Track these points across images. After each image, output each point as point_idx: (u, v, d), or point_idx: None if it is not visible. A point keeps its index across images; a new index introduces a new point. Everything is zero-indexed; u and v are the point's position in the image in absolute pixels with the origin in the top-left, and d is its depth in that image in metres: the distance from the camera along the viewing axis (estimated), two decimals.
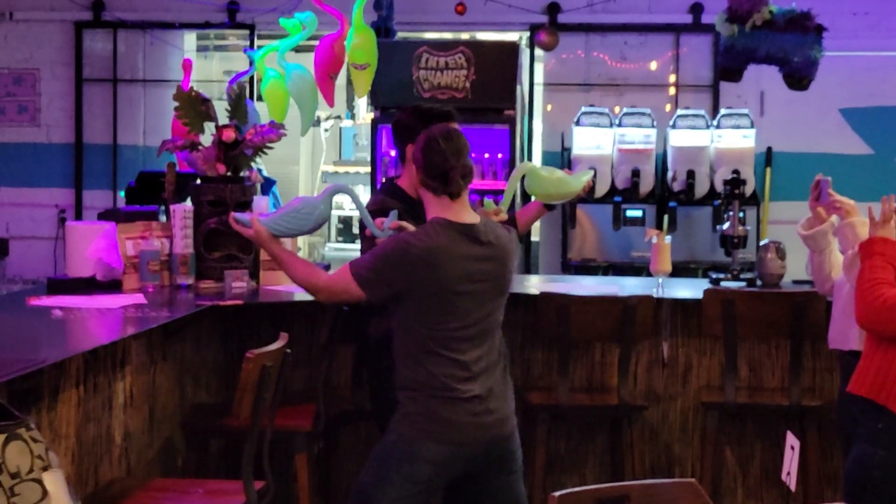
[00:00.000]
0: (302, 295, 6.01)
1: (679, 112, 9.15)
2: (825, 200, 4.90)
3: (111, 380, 4.79)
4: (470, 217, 4.10)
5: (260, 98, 7.64)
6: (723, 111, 9.11)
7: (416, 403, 4.04)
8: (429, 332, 4.03)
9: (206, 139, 6.26)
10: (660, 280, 6.23)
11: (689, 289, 6.35)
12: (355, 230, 9.83)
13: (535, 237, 10.10)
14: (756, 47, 6.63)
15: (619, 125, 9.02)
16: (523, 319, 6.20)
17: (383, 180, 7.06)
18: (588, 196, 8.74)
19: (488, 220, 4.18)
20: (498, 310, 4.15)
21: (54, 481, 2.80)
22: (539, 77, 10.24)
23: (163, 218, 6.33)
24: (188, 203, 6.25)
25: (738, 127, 8.90)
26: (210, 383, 6.01)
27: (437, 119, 4.60)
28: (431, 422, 4.01)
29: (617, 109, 9.42)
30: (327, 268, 6.79)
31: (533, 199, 5.38)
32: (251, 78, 9.21)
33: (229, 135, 6.09)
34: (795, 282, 6.32)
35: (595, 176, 5.27)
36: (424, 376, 4.03)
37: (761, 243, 6.40)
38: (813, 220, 5.02)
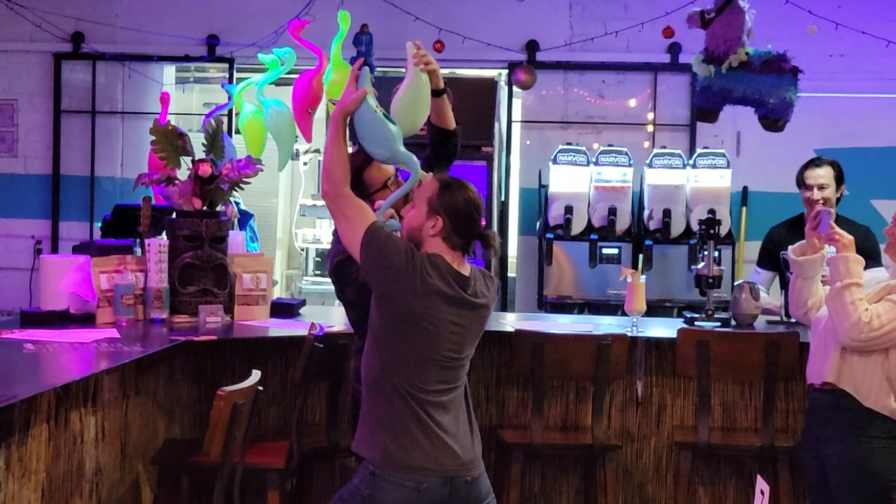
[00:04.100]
0: (276, 331, 6.03)
1: (656, 151, 9.17)
2: (824, 230, 4.91)
3: (83, 414, 4.76)
4: (465, 269, 4.10)
5: (237, 132, 7.63)
6: (699, 150, 9.13)
7: (378, 445, 4.01)
8: (396, 354, 4.00)
9: (183, 173, 6.25)
10: (634, 319, 6.23)
11: (664, 328, 6.36)
12: None
13: (511, 273, 10.09)
14: (732, 88, 6.64)
15: (596, 163, 9.02)
16: (498, 357, 6.20)
17: None
18: (565, 233, 8.86)
19: (478, 272, 4.17)
20: (466, 356, 4.13)
21: None
22: (517, 114, 10.26)
23: (138, 251, 6.31)
24: (163, 237, 6.23)
25: (714, 166, 8.91)
26: (183, 419, 5.98)
27: None
28: (392, 466, 3.97)
29: (595, 147, 9.43)
30: (302, 303, 6.79)
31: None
32: (229, 112, 9.20)
33: (205, 169, 6.09)
34: (770, 322, 6.32)
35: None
36: (389, 405, 4.01)
37: (735, 283, 6.41)
38: (806, 247, 5.04)
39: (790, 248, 5.10)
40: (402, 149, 4.27)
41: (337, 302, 9.88)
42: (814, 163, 6.57)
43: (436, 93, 4.67)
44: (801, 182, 6.54)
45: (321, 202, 10.90)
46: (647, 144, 9.84)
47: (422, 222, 4.08)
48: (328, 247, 10.88)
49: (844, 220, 6.26)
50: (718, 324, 6.21)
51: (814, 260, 5.00)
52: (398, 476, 3.96)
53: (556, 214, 8.92)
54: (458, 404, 4.10)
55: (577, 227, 8.89)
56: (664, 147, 9.23)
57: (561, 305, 8.94)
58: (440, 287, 3.97)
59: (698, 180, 8.89)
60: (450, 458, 4.01)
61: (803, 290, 5.05)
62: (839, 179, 6.55)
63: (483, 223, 4.14)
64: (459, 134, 4.85)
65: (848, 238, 4.82)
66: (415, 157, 4.28)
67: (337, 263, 4.67)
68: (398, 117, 4.46)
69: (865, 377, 4.68)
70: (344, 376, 5.56)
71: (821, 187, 6.43)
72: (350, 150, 4.32)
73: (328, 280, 10.22)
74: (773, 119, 6.68)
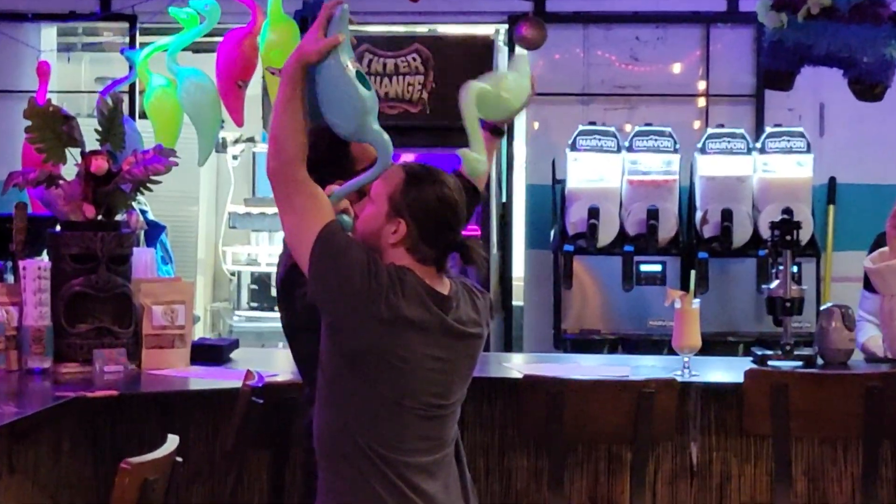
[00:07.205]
0: (200, 382, 6.02)
1: (710, 131, 9.20)
2: None
3: None
4: (442, 286, 4.07)
5: (143, 115, 7.64)
6: (769, 130, 9.17)
7: None
8: (360, 404, 3.98)
9: (70, 171, 6.24)
10: (686, 359, 6.23)
11: (727, 370, 6.37)
12: (274, 292, 9.77)
13: (517, 301, 10.09)
14: (812, 44, 6.68)
15: (630, 149, 9.05)
16: (502, 414, 6.19)
17: None
18: (589, 245, 8.88)
19: (460, 288, 4.14)
20: (455, 402, 4.12)
21: None
22: None
23: (10, 278, 6.30)
24: (44, 258, 6.22)
25: (789, 151, 8.95)
26: (75, 503, 5.96)
27: None
28: None
29: (627, 128, 9.45)
30: (235, 345, 6.78)
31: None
32: (131, 87, 9.21)
33: (100, 165, 6.08)
34: (870, 360, 6.34)
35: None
36: (354, 472, 3.98)
37: (822, 308, 6.42)
38: (888, 253, 5.06)
39: (868, 256, 5.12)
40: (375, 125, 4.17)
41: (281, 343, 9.85)
42: None
43: (498, 131, 4.78)
44: None
45: (258, 209, 10.95)
46: (698, 123, 9.88)
47: (380, 225, 4.02)
48: (266, 270, 10.95)
49: None
50: (800, 363, 6.22)
51: (894, 266, 5.03)
52: None
53: (576, 220, 8.95)
54: (448, 466, 4.10)
55: (606, 236, 8.92)
56: (721, 126, 9.27)
57: (585, 343, 8.96)
58: (413, 311, 3.95)
59: (769, 170, 8.93)
60: None
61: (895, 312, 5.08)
62: None
63: (479, 233, 4.14)
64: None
65: None
66: (388, 138, 4.21)
67: (289, 269, 4.57)
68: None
69: None
70: (291, 441, 5.55)
71: None
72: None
73: (268, 315, 10.27)
74: (869, 84, 6.72)
